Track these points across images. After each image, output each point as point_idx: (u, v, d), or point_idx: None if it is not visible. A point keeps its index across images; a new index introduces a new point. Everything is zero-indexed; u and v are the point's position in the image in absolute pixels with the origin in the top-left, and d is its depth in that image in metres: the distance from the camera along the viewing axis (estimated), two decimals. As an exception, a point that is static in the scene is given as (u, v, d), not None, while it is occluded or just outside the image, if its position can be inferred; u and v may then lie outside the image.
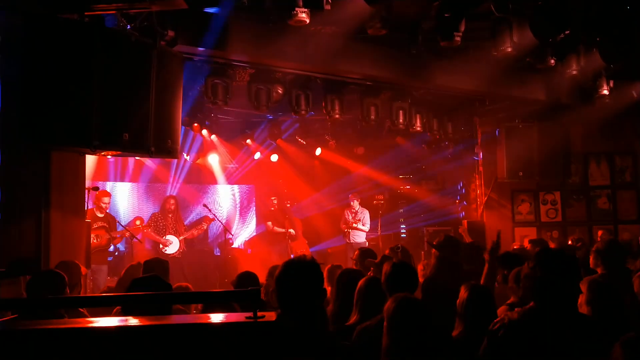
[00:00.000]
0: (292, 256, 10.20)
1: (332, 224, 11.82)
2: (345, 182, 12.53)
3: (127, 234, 8.93)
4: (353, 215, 10.93)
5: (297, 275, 2.51)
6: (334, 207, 11.85)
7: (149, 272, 4.59)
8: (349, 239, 10.86)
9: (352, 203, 10.99)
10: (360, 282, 3.69)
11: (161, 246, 9.46)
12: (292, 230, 10.77)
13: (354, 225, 10.80)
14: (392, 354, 2.74)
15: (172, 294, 3.83)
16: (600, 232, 8.88)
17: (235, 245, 11.88)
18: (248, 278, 4.49)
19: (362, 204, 11.17)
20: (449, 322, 3.59)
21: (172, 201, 9.96)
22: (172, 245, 9.53)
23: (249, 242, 11.75)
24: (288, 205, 10.95)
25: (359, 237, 10.89)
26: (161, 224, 9.62)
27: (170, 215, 9.78)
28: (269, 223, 10.96)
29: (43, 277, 4.17)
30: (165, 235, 9.54)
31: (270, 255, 10.66)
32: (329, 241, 11.72)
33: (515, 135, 9.39)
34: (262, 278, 6.05)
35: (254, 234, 12.51)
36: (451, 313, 3.58)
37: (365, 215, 10.96)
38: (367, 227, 10.90)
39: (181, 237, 9.68)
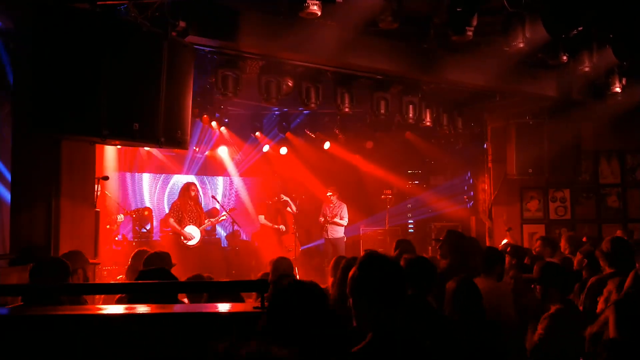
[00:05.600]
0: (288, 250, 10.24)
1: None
2: (353, 176, 12.52)
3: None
4: (331, 209, 10.92)
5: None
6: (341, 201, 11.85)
7: (150, 265, 4.57)
8: (327, 235, 10.82)
9: (331, 197, 10.95)
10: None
11: (182, 238, 9.22)
12: (282, 227, 10.75)
13: (333, 220, 10.78)
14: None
15: (181, 282, 3.85)
16: (618, 232, 8.76)
17: (242, 237, 11.91)
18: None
19: (370, 199, 11.16)
20: None
21: (193, 188, 9.62)
22: (193, 239, 9.27)
23: (256, 235, 11.76)
24: (283, 199, 10.87)
25: (338, 232, 10.85)
26: (182, 214, 9.33)
27: (191, 204, 9.48)
28: (261, 217, 10.96)
29: (46, 264, 4.17)
30: (185, 226, 9.26)
31: (277, 247, 10.68)
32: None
33: (526, 132, 9.33)
34: (267, 269, 6.01)
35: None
36: None
37: (343, 209, 10.91)
38: (345, 222, 10.85)
39: (202, 227, 9.47)
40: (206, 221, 9.69)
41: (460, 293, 3.57)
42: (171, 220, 9.27)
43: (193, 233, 9.30)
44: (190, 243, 9.24)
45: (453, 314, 3.55)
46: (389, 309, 2.22)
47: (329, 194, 10.99)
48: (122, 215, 8.85)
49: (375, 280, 2.26)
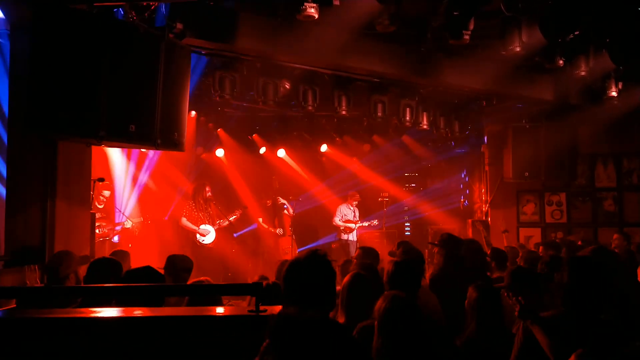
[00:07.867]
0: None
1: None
2: (350, 179, 12.51)
3: (130, 225, 8.79)
4: (353, 212, 11.08)
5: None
6: (339, 204, 11.84)
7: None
8: (354, 237, 10.94)
9: (354, 201, 11.14)
10: (346, 279, 3.48)
11: (198, 236, 9.18)
12: (280, 230, 10.76)
13: (361, 224, 10.98)
14: (383, 355, 2.68)
15: (177, 286, 3.84)
16: (615, 236, 8.72)
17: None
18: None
19: (367, 201, 11.22)
20: (458, 317, 3.63)
21: (207, 188, 9.52)
22: (209, 235, 9.23)
23: (253, 236, 11.73)
24: (280, 201, 10.88)
25: (356, 233, 11.08)
26: (195, 214, 9.28)
27: (205, 204, 9.41)
28: (260, 219, 10.95)
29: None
30: (200, 225, 9.23)
31: (274, 249, 10.67)
32: (330, 236, 11.71)
33: (522, 135, 9.36)
34: (265, 272, 6.02)
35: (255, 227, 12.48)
36: (460, 307, 3.62)
37: (358, 212, 11.21)
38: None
39: (216, 226, 9.40)
40: (219, 221, 9.65)
41: (483, 301, 3.51)
42: (184, 219, 9.22)
43: (208, 229, 9.28)
44: (205, 241, 9.19)
45: (471, 323, 3.52)
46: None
47: (354, 199, 11.14)
48: (130, 221, 8.78)
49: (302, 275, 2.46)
